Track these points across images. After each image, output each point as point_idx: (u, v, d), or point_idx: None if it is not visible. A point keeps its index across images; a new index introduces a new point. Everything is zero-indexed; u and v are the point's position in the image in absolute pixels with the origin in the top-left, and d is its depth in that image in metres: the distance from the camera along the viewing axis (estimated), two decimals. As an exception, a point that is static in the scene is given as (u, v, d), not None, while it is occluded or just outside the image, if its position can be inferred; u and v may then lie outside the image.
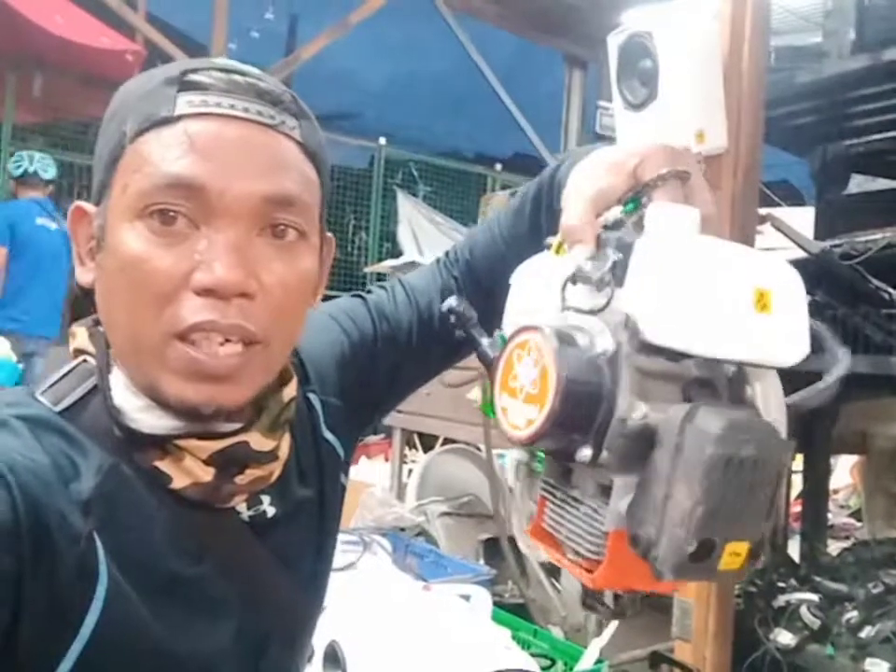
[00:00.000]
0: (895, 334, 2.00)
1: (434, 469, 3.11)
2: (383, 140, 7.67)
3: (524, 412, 0.50)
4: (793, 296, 0.53)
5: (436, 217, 7.08)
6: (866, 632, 2.00)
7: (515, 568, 2.52)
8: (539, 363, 0.49)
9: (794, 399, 0.54)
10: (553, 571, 2.70)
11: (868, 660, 1.92)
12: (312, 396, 0.79)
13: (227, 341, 0.59)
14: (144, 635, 0.60)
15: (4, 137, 5.83)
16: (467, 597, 1.89)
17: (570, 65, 8.80)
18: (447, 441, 3.49)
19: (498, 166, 8.49)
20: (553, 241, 0.62)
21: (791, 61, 2.89)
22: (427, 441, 4.02)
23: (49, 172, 4.51)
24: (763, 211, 2.18)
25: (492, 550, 2.72)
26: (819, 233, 2.76)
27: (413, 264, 2.84)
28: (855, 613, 2.05)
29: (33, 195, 4.44)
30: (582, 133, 8.62)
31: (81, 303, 0.68)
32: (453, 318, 0.64)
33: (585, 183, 0.62)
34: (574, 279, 0.54)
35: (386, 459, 3.51)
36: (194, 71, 0.62)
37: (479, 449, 3.17)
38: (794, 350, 0.52)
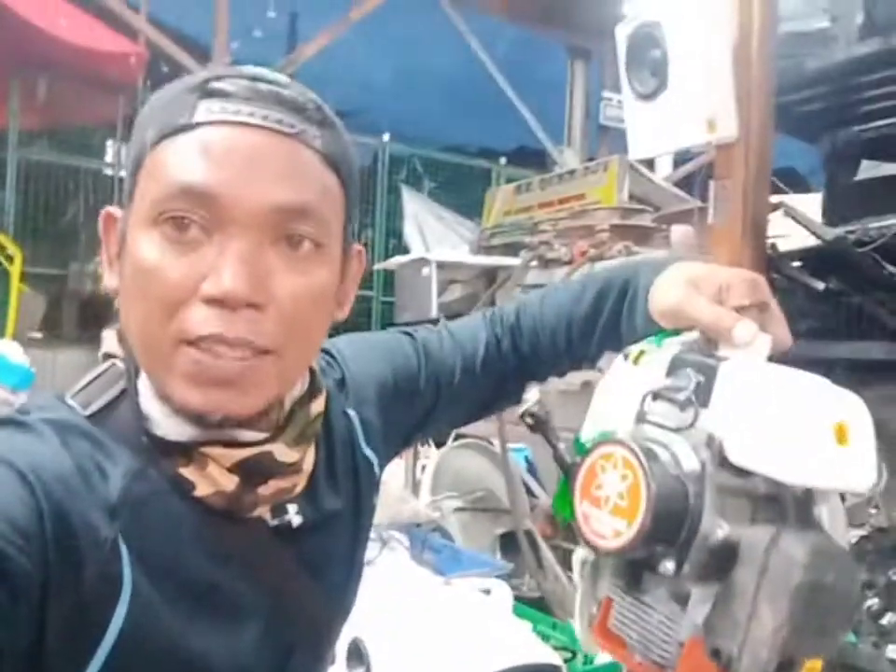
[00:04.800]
0: (911, 320, 2.00)
1: (447, 464, 3.10)
2: (386, 136, 7.65)
3: (610, 523, 0.53)
4: (866, 428, 0.57)
5: (442, 213, 7.07)
6: (888, 619, 1.99)
7: (532, 562, 2.52)
8: (628, 478, 0.52)
9: None
10: (568, 565, 2.70)
11: (890, 646, 1.92)
12: (351, 412, 0.79)
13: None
14: (168, 640, 0.60)
15: (11, 143, 5.85)
16: (487, 591, 1.89)
17: (573, 57, 8.77)
18: (459, 435, 3.49)
19: (503, 160, 8.46)
20: (632, 351, 0.64)
21: (796, 47, 2.87)
22: (439, 439, 4.02)
23: None
24: (775, 198, 2.17)
25: (508, 544, 2.72)
26: (830, 220, 2.74)
27: (422, 261, 2.83)
28: (876, 601, 2.04)
29: None
30: (586, 125, 8.59)
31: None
32: (529, 420, 0.66)
33: (679, 293, 0.66)
34: (655, 396, 0.58)
35: (399, 456, 3.51)
36: (218, 79, 0.61)
37: (491, 443, 3.16)
38: (866, 478, 0.56)
